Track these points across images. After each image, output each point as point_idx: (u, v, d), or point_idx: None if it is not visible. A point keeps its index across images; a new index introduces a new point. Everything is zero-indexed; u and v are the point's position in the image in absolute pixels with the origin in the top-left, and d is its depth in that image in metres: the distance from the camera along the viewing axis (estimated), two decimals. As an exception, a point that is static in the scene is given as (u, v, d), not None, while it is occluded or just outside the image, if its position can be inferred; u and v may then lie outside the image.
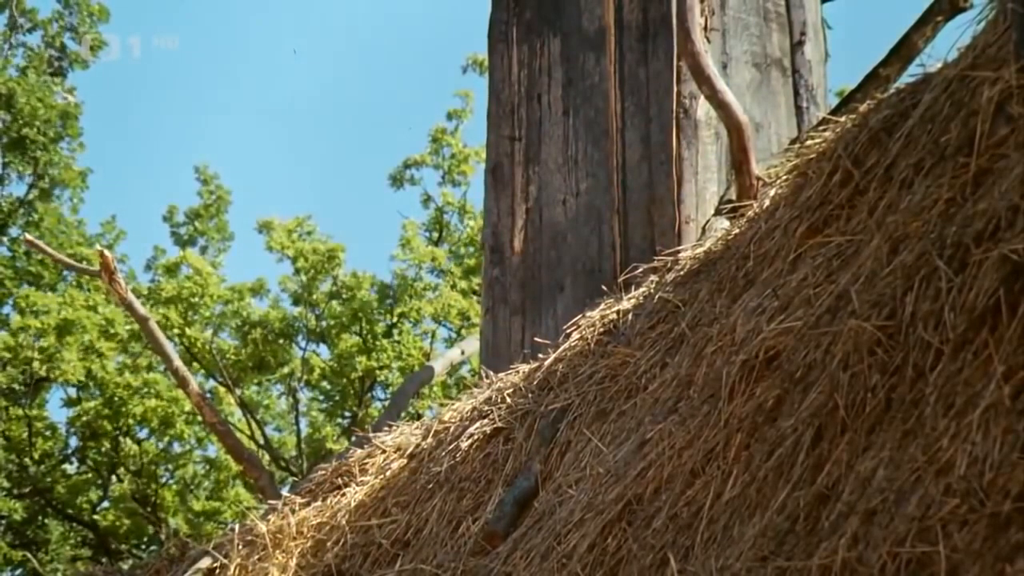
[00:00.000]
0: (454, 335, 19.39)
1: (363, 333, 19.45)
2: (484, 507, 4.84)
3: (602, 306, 5.36)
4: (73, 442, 19.28)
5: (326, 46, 40.28)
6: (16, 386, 18.59)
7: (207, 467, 20.04)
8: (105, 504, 19.38)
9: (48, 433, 19.06)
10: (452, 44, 35.84)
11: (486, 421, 5.19)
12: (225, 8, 38.71)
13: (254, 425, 19.50)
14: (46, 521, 18.96)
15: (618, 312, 5.22)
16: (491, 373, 5.69)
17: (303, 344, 19.91)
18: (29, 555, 17.98)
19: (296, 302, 19.85)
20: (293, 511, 5.41)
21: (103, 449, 19.07)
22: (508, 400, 5.24)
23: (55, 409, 22.44)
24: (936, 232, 3.22)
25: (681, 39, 5.96)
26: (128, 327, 18.25)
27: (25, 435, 18.62)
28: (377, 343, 19.28)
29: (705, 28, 6.43)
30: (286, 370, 19.96)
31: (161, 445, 19.47)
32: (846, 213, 3.94)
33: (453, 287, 19.91)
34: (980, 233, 3.06)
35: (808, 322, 3.63)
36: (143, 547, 19.22)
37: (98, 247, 8.12)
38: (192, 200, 20.78)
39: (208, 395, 16.89)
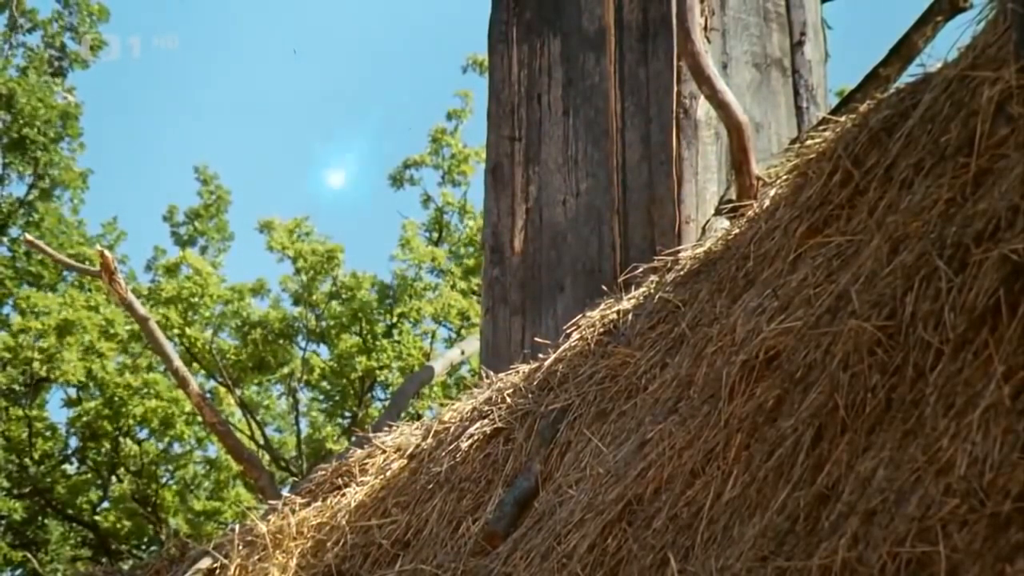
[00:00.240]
0: (454, 335, 19.40)
1: (363, 333, 19.46)
2: (484, 507, 4.84)
3: (602, 306, 5.36)
4: (73, 442, 19.30)
5: (326, 46, 40.28)
6: (16, 387, 18.59)
7: (207, 467, 20.05)
8: (105, 504, 19.38)
9: (48, 433, 19.06)
10: (452, 44, 35.86)
11: (486, 421, 5.19)
12: (225, 8, 38.73)
13: (254, 425, 19.50)
14: (46, 521, 18.96)
15: (618, 312, 5.22)
16: (491, 373, 5.68)
17: (303, 344, 19.92)
18: (29, 555, 17.98)
19: (296, 302, 19.86)
20: (293, 511, 5.41)
21: (103, 449, 19.08)
22: (508, 400, 5.24)
23: (55, 409, 22.48)
24: (936, 232, 3.22)
25: (681, 39, 5.96)
26: (128, 327, 18.26)
27: (25, 435, 18.62)
28: (377, 343, 19.28)
29: (705, 28, 6.43)
30: (286, 370, 19.96)
31: (161, 445, 19.48)
32: (846, 213, 3.93)
33: (453, 287, 19.92)
34: (980, 233, 3.06)
35: (808, 322, 3.63)
36: (143, 547, 19.22)
37: (98, 247, 8.12)
38: (192, 200, 20.82)
39: (208, 395, 16.89)
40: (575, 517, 4.13)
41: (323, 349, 19.95)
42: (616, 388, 4.77)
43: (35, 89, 18.57)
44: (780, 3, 6.78)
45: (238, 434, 14.37)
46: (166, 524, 19.08)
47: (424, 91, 38.79)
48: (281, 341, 19.66)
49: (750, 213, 4.98)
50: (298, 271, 19.80)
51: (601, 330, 5.19)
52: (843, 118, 4.38)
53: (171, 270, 19.76)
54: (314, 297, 19.63)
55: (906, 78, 4.29)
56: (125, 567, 8.25)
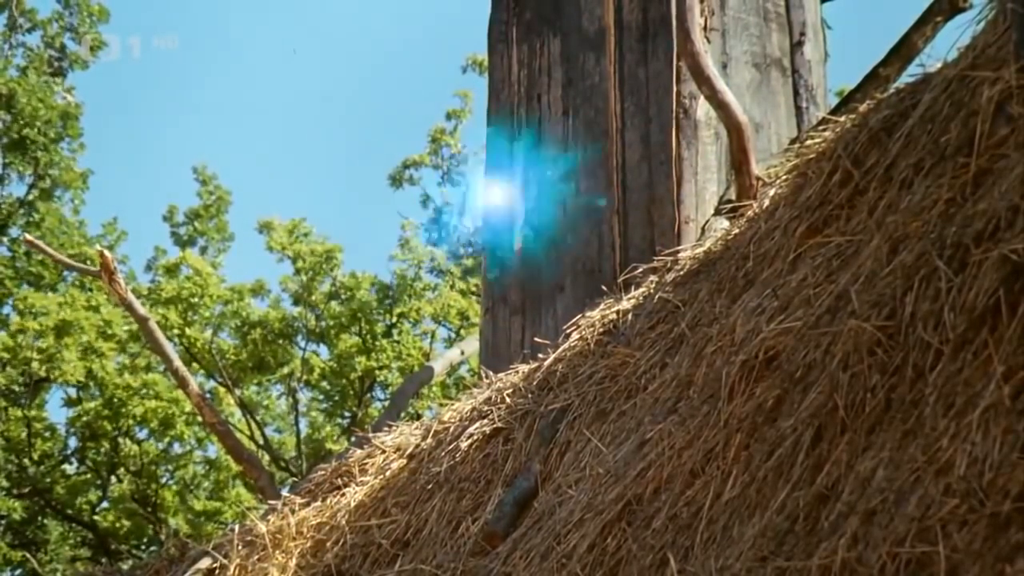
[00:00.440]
0: (454, 335, 19.40)
1: (363, 333, 19.46)
2: (484, 507, 4.83)
3: (602, 306, 5.36)
4: (73, 442, 19.30)
5: (326, 46, 40.29)
6: (16, 387, 18.59)
7: (207, 467, 20.05)
8: (105, 504, 19.38)
9: (48, 434, 19.06)
10: (452, 44, 35.87)
11: (486, 421, 5.19)
12: (225, 8, 38.74)
13: (254, 425, 19.50)
14: (45, 521, 18.96)
15: (618, 312, 5.22)
16: (491, 373, 5.68)
17: (303, 344, 19.92)
18: (28, 555, 17.98)
19: (296, 302, 19.87)
20: (293, 511, 5.41)
21: (103, 449, 19.08)
22: (508, 400, 5.24)
23: (55, 409, 22.48)
24: (936, 232, 3.22)
25: (681, 39, 5.96)
26: (128, 327, 18.26)
27: (24, 435, 18.62)
28: (377, 343, 19.29)
29: (705, 28, 6.43)
30: (286, 370, 19.96)
31: (161, 446, 19.48)
32: (846, 213, 3.93)
33: (452, 287, 19.92)
34: (980, 233, 3.06)
35: (808, 322, 3.63)
36: (143, 547, 19.22)
37: (98, 247, 8.12)
38: (192, 200, 20.81)
39: (208, 395, 16.88)
40: (575, 517, 4.13)
41: (323, 349, 19.96)
42: (616, 388, 4.77)
43: (35, 89, 18.57)
44: (780, 3, 6.78)
45: (238, 434, 14.36)
46: (166, 524, 19.07)
47: (424, 91, 38.81)
48: (281, 341, 19.66)
49: (750, 213, 4.98)
50: (298, 271, 19.80)
51: (601, 330, 5.19)
52: (843, 118, 4.38)
53: (171, 270, 19.76)
54: (314, 297, 19.63)
55: (906, 78, 4.29)
56: (125, 567, 8.24)
